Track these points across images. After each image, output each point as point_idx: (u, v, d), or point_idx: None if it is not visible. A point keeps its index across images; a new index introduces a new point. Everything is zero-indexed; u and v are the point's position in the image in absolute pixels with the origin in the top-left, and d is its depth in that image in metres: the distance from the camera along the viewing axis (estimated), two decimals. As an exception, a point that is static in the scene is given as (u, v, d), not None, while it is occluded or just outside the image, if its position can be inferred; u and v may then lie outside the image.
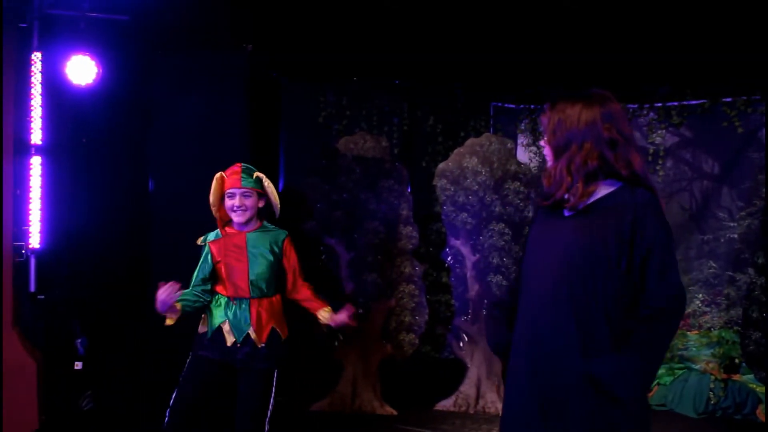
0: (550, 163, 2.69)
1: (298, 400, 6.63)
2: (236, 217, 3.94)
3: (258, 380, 3.96)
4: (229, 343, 3.93)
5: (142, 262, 6.07)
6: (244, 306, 3.96)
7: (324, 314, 4.15)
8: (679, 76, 7.50)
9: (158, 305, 3.77)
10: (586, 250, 2.53)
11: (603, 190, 2.59)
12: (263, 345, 3.94)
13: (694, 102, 7.76)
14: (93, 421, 5.77)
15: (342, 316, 4.12)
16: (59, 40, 5.69)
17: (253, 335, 3.93)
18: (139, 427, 5.64)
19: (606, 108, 2.59)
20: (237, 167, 3.96)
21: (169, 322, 3.89)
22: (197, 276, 4.03)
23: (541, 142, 2.74)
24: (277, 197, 4.03)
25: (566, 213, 2.65)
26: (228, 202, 3.93)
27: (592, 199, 2.59)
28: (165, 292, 3.75)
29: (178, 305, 3.87)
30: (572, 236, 2.57)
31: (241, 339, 3.93)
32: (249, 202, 3.92)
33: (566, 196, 2.60)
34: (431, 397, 6.86)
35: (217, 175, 3.93)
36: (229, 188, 3.91)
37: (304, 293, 4.16)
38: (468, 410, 6.67)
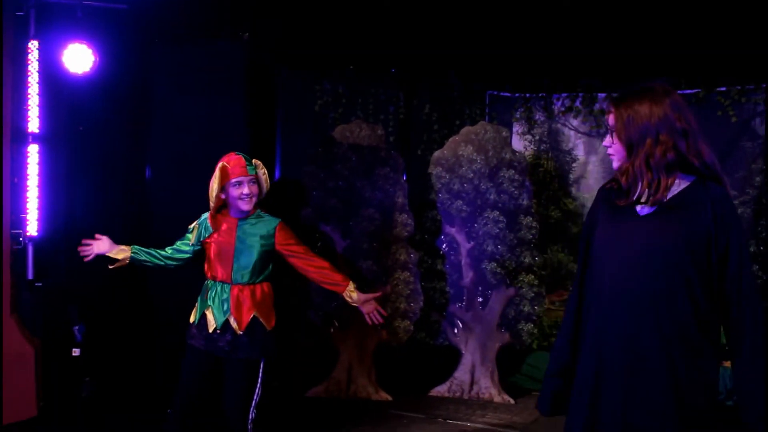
0: (618, 162, 2.68)
1: (294, 386, 6.69)
2: (245, 205, 4.02)
3: (240, 370, 4.03)
4: (210, 330, 4.00)
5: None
6: (225, 291, 4.03)
7: (349, 297, 4.21)
8: (675, 66, 7.53)
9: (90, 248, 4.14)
10: (675, 247, 2.54)
11: (678, 185, 2.61)
12: (242, 333, 4.00)
13: (688, 91, 7.80)
14: (91, 408, 5.81)
15: (370, 307, 4.24)
16: (56, 28, 5.69)
17: (232, 322, 3.99)
18: (137, 413, 5.70)
19: (673, 98, 2.60)
20: (239, 157, 4.03)
21: (114, 256, 4.19)
22: (176, 243, 4.21)
23: (605, 142, 2.72)
24: (267, 180, 4.14)
25: (641, 212, 2.64)
26: (235, 191, 4.00)
27: (669, 194, 2.59)
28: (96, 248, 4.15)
29: (125, 254, 4.18)
30: (657, 235, 2.58)
31: (220, 325, 3.99)
32: (255, 189, 4.04)
33: (645, 193, 2.60)
34: (426, 383, 6.93)
35: (220, 164, 3.99)
36: (237, 177, 3.98)
37: (317, 264, 4.19)
38: (462, 396, 6.75)
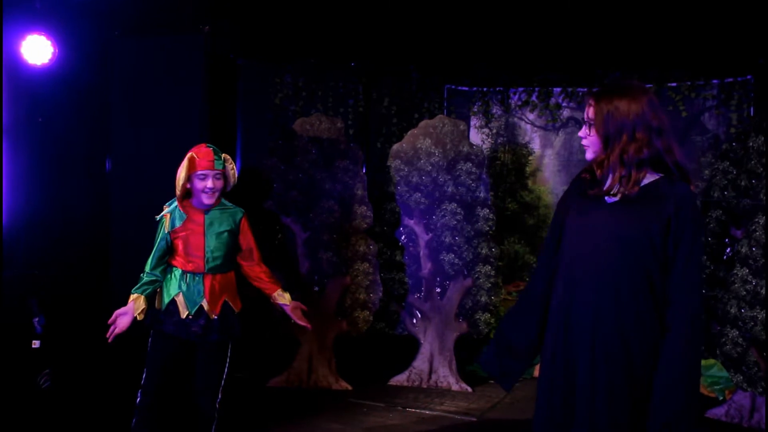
0: (592, 154, 2.80)
1: (255, 375, 6.75)
2: (207, 199, 4.03)
3: (213, 352, 4.10)
4: (183, 315, 4.03)
5: (101, 241, 6.09)
6: (198, 279, 4.06)
7: (280, 297, 4.29)
8: (628, 61, 7.71)
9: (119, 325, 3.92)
10: (637, 236, 2.67)
11: (646, 179, 2.74)
12: (216, 317, 4.07)
13: (641, 86, 7.98)
14: (51, 400, 5.80)
15: (297, 312, 4.30)
16: (15, 19, 5.64)
17: (206, 306, 4.04)
18: (97, 406, 5.71)
19: (649, 97, 2.73)
20: (208, 149, 4.04)
21: (140, 317, 3.98)
22: (155, 255, 4.10)
23: (581, 133, 2.84)
24: (235, 177, 4.15)
25: (608, 201, 2.77)
26: (200, 184, 4.01)
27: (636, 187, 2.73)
28: (121, 324, 3.91)
29: (142, 299, 3.98)
30: (621, 223, 2.71)
31: (194, 311, 4.03)
32: (219, 184, 4.04)
33: (616, 186, 2.73)
34: (385, 372, 7.02)
35: (189, 154, 4.00)
36: (203, 170, 3.98)
37: (256, 272, 4.28)
38: (421, 385, 6.85)
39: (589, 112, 2.79)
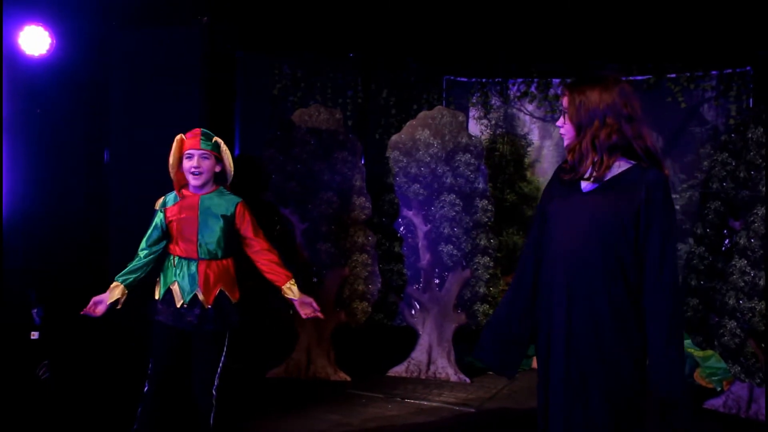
0: (568, 141, 2.91)
1: (254, 366, 6.76)
2: (193, 180, 4.00)
3: (209, 342, 4.08)
4: (178, 305, 4.02)
5: (100, 231, 6.08)
6: (192, 267, 4.04)
7: (288, 290, 4.20)
8: (627, 53, 7.70)
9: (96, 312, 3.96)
10: (609, 223, 2.75)
11: (619, 167, 2.82)
12: (210, 307, 4.04)
13: (639, 78, 7.99)
14: (50, 391, 5.81)
15: (308, 309, 4.21)
16: (12, 9, 5.62)
17: (200, 296, 4.02)
18: (96, 397, 5.72)
19: (621, 87, 2.81)
20: (197, 130, 4.03)
21: (119, 306, 3.99)
22: (146, 239, 4.10)
23: (558, 123, 2.96)
24: (231, 164, 4.11)
25: (585, 189, 2.87)
26: (186, 164, 3.99)
27: (610, 175, 2.81)
28: (96, 312, 3.96)
29: (119, 289, 3.99)
30: (595, 210, 2.80)
31: (188, 300, 4.01)
32: (206, 164, 3.99)
33: (589, 171, 2.83)
34: (384, 363, 7.04)
35: (178, 137, 3.99)
36: (189, 149, 3.98)
37: (263, 261, 4.18)
38: (419, 376, 6.87)
39: (564, 102, 2.90)
